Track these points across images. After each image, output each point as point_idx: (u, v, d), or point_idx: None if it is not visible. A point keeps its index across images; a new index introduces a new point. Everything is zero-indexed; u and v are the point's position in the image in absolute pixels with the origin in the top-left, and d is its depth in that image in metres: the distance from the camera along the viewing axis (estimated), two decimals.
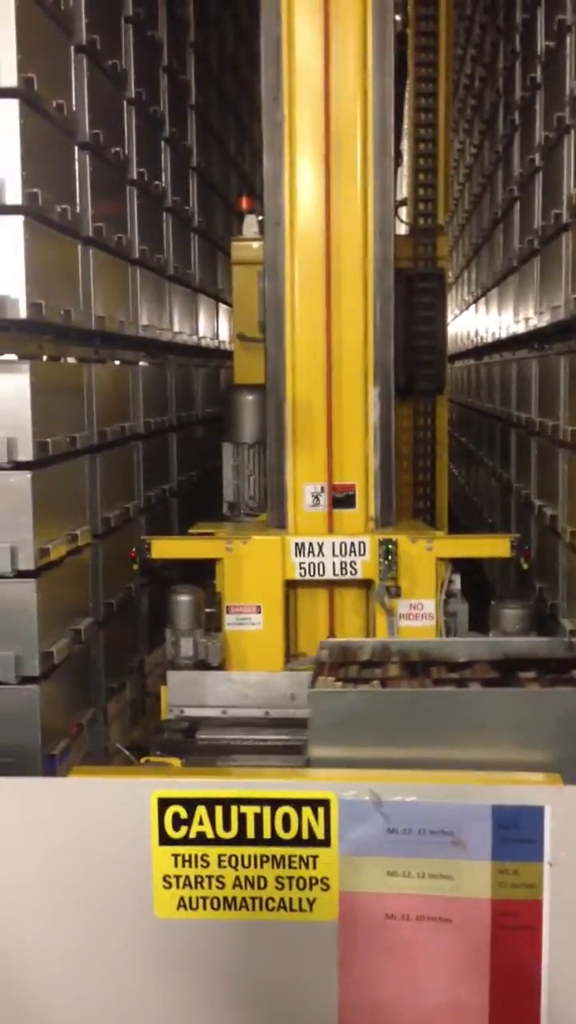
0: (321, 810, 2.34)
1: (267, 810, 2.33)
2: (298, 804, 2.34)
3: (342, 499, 4.33)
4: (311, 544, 4.07)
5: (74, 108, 3.98)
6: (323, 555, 4.08)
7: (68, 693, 3.86)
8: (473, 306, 8.77)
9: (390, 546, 4.03)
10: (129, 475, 4.92)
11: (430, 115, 5.77)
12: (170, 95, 5.70)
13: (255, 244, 5.07)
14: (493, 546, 4.47)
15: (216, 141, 7.24)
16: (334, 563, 4.09)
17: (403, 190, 5.98)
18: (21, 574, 3.48)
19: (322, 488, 4.33)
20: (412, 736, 2.91)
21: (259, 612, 4.10)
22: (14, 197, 3.35)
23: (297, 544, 4.11)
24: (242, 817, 2.33)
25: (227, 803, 2.33)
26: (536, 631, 4.17)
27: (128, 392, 4.91)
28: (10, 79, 3.33)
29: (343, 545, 4.09)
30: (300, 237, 4.16)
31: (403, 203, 5.80)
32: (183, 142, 6.13)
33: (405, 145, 6.06)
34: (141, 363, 5.20)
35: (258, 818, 2.33)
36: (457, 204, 10.08)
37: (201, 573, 4.48)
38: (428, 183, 5.78)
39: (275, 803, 2.33)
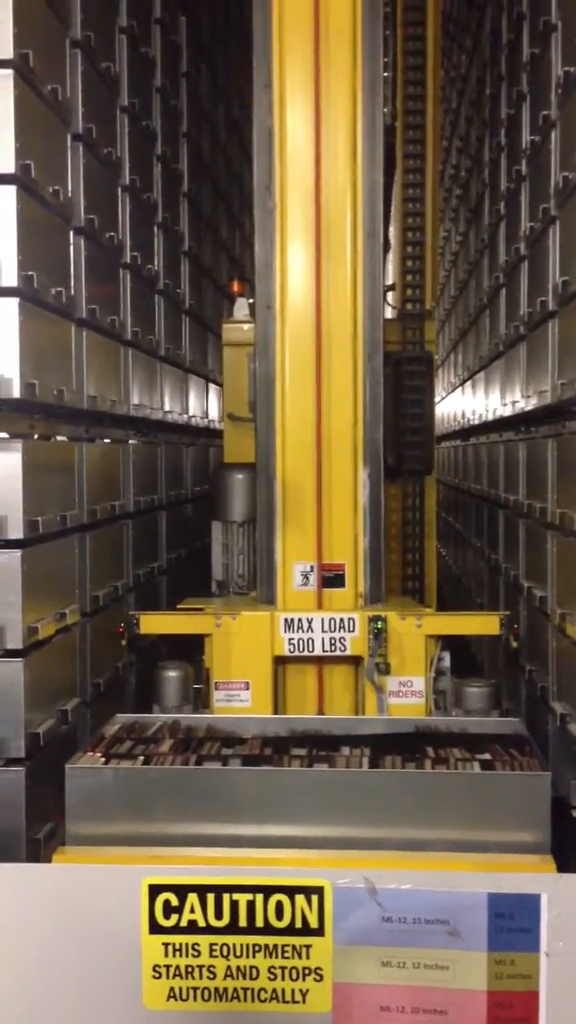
0: (315, 898, 2.30)
1: (260, 897, 2.29)
2: (291, 891, 2.29)
3: (331, 578, 4.32)
4: (300, 620, 4.06)
5: (70, 194, 4.06)
6: (312, 631, 4.08)
7: (53, 775, 3.79)
8: (460, 388, 8.88)
9: (380, 623, 4.02)
10: (119, 553, 4.91)
11: (418, 204, 5.91)
12: (163, 182, 5.83)
13: (246, 326, 5.12)
14: (483, 624, 4.45)
15: (207, 227, 7.39)
16: (323, 639, 4.08)
17: (391, 276, 6.10)
18: (9, 653, 3.45)
19: (312, 567, 4.31)
20: (161, 812, 3.07)
21: (248, 689, 4.07)
22: (10, 280, 3.40)
23: (286, 620, 4.10)
24: (234, 905, 2.28)
25: (219, 890, 2.28)
26: (498, 710, 4.17)
27: (118, 470, 4.93)
28: (8, 166, 3.40)
29: (332, 621, 4.09)
30: (291, 320, 4.22)
31: (391, 288, 5.91)
32: (175, 227, 6.25)
33: (393, 232, 6.20)
34: (131, 442, 5.23)
35: (251, 906, 2.28)
36: (444, 289, 10.28)
37: (189, 649, 4.45)
38: (416, 269, 5.89)
39: (268, 890, 2.29)
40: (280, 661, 4.20)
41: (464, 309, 8.50)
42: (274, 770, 3.27)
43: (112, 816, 3.12)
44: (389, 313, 5.58)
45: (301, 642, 4.08)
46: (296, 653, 4.10)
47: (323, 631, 4.08)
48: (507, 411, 5.70)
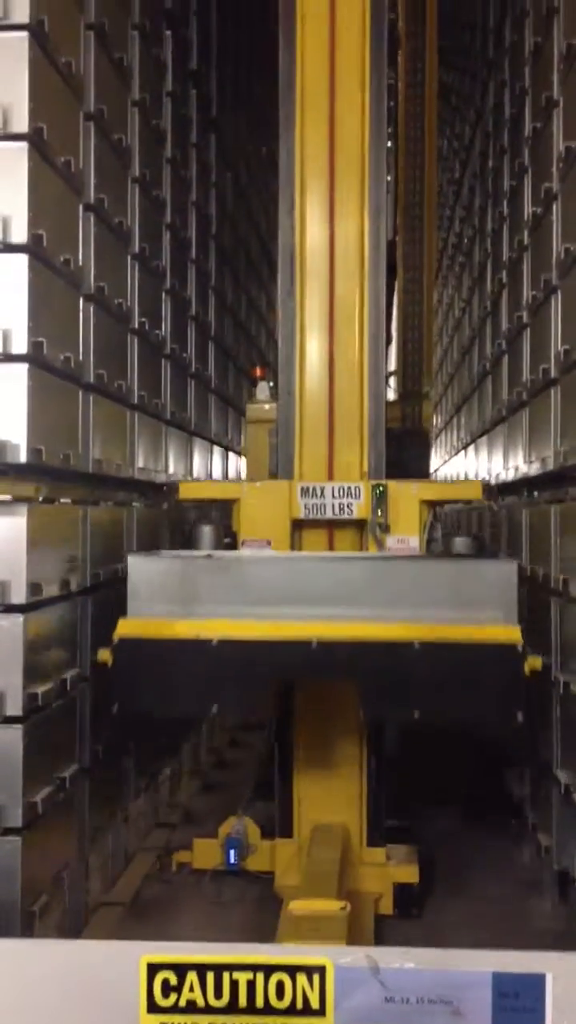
0: (316, 977, 2.25)
1: (260, 977, 2.24)
2: (292, 970, 2.25)
3: None
4: (314, 488, 4.59)
5: (80, 263, 4.12)
6: (324, 497, 4.56)
7: (50, 844, 3.74)
8: (462, 452, 8.93)
9: (381, 488, 4.51)
10: (120, 616, 4.88)
11: (416, 306, 6.26)
12: (171, 250, 5.92)
13: (267, 406, 5.63)
14: (467, 489, 4.99)
15: (214, 292, 7.49)
16: (333, 504, 4.56)
17: (393, 363, 6.42)
18: (8, 719, 3.42)
19: None
20: (213, 596, 3.82)
21: (269, 546, 4.54)
22: (20, 347, 3.45)
23: (302, 488, 4.60)
24: (234, 984, 2.23)
25: (219, 969, 2.24)
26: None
27: (122, 533, 4.94)
28: (20, 236, 3.46)
29: (341, 489, 4.59)
30: (308, 403, 4.70)
31: (393, 375, 6.23)
32: (183, 294, 6.33)
33: (395, 326, 6.53)
34: (135, 504, 5.25)
35: (251, 985, 2.23)
36: (446, 355, 10.38)
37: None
38: (414, 356, 6.23)
39: (268, 969, 2.25)
40: (297, 525, 4.63)
41: (467, 375, 8.58)
42: (293, 555, 4.23)
43: (164, 597, 3.85)
44: (391, 395, 5.81)
45: (315, 506, 4.57)
46: (311, 516, 4.58)
47: (333, 497, 4.55)
48: (509, 476, 5.72)
